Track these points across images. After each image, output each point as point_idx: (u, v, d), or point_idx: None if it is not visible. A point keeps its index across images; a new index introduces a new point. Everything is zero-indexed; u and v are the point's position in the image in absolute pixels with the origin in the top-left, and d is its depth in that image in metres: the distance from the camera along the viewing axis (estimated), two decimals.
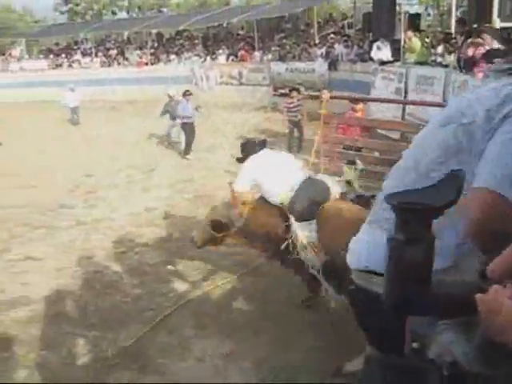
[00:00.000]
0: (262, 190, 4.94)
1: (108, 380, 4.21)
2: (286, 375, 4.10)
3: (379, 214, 1.79)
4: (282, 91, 18.84)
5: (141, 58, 28.20)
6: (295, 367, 4.17)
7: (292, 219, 4.62)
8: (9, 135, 15.18)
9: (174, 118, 13.59)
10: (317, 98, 18.22)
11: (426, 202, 0.69)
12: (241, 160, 5.15)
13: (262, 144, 5.28)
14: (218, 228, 5.00)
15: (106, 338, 4.79)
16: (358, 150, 7.96)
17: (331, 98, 8.02)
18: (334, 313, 4.76)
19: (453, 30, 15.21)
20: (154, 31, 31.07)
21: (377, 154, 7.99)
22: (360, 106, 8.52)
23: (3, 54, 31.58)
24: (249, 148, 5.15)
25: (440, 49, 14.10)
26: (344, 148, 8.27)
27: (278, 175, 4.77)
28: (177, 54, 27.54)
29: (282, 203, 4.68)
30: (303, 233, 4.53)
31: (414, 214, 0.68)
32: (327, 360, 4.20)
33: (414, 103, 10.35)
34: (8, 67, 29.92)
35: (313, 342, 4.48)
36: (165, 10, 41.41)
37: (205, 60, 25.25)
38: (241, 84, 22.92)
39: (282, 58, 22.25)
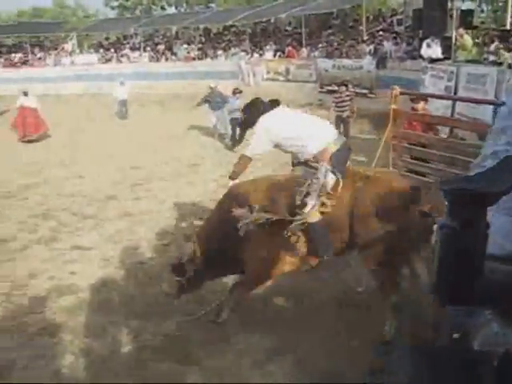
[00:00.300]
0: (288, 147, 4.50)
1: (148, 369, 4.27)
2: (325, 373, 4.07)
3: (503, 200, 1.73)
4: (329, 88, 18.70)
5: (188, 53, 28.44)
6: (335, 365, 4.14)
7: (326, 164, 4.23)
8: (58, 127, 15.54)
9: (214, 108, 13.69)
10: (364, 95, 18.01)
11: (478, 188, 0.67)
12: (246, 124, 4.61)
13: (273, 104, 4.70)
14: None
15: (148, 328, 4.87)
16: (423, 146, 7.82)
17: (401, 94, 7.89)
18: (375, 311, 4.72)
19: (508, 27, 14.76)
20: (201, 26, 31.30)
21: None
22: (421, 104, 8.26)
23: (56, 49, 32.33)
24: (256, 109, 4.64)
25: (493, 46, 13.71)
26: (410, 144, 8.16)
27: (311, 129, 4.44)
28: (224, 49, 27.65)
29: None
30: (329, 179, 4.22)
31: (467, 201, 0.67)
32: (366, 358, 4.16)
33: (488, 102, 9.87)
34: (60, 61, 30.60)
35: (353, 340, 4.44)
36: (213, 5, 41.53)
37: (252, 56, 25.26)
38: (287, 80, 22.79)
39: (329, 55, 22.05)
